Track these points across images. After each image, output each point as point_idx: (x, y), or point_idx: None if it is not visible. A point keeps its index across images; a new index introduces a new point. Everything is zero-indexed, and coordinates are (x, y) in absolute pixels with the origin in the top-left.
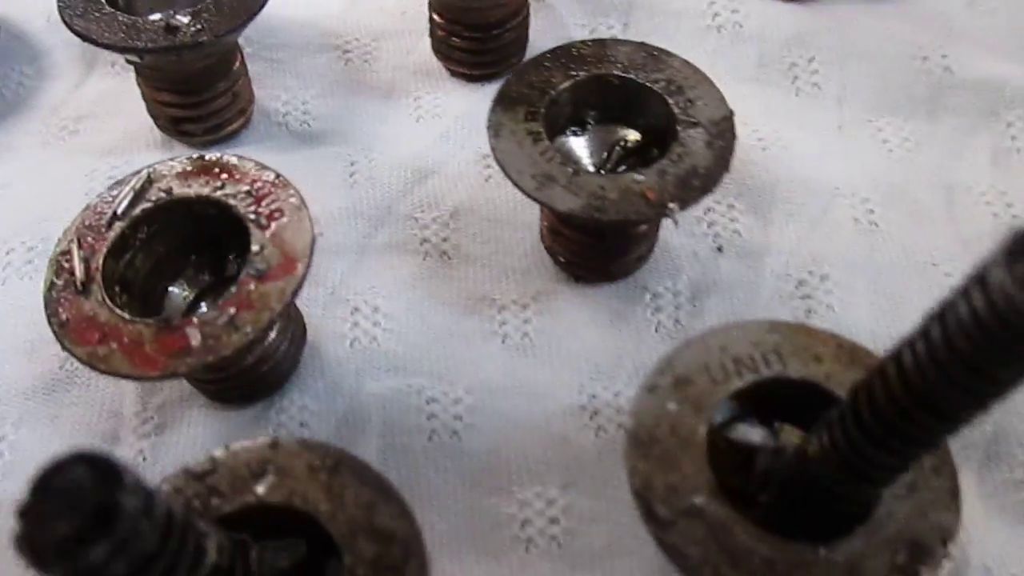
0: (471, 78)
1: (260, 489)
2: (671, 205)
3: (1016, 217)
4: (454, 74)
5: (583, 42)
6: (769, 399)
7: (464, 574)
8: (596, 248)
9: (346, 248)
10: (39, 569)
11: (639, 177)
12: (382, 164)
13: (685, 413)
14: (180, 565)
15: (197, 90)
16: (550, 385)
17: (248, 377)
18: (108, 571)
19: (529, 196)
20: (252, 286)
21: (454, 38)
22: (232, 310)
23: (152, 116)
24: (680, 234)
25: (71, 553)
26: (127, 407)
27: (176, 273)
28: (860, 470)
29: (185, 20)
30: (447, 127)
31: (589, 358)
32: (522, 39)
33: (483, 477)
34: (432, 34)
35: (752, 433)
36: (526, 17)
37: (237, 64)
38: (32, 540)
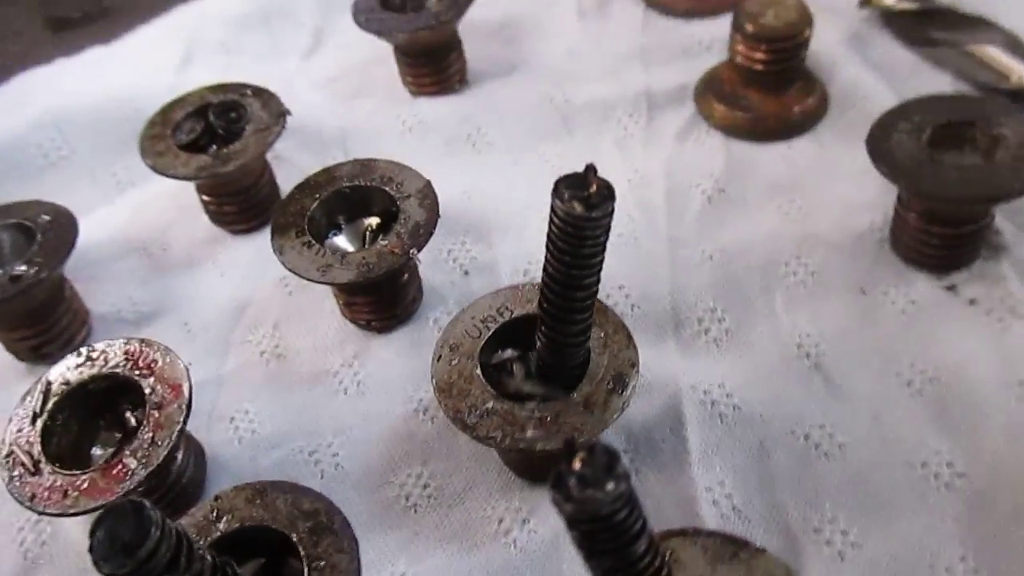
0: (247, 230)
1: (221, 526)
2: (411, 251)
3: (631, 181)
4: (234, 232)
5: (315, 173)
6: (512, 334)
7: (376, 539)
8: (380, 302)
9: (208, 381)
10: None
11: (384, 242)
12: (209, 313)
13: (463, 363)
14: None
15: (44, 318)
16: (388, 405)
17: (173, 493)
18: None
19: (319, 282)
20: (156, 414)
21: (224, 207)
22: (149, 434)
23: (12, 352)
24: (436, 273)
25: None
26: None
27: (92, 439)
28: (561, 342)
29: (23, 268)
30: (245, 270)
31: (407, 378)
32: (274, 192)
33: (368, 481)
34: (206, 210)
35: (506, 354)
36: (271, 174)
37: (67, 289)
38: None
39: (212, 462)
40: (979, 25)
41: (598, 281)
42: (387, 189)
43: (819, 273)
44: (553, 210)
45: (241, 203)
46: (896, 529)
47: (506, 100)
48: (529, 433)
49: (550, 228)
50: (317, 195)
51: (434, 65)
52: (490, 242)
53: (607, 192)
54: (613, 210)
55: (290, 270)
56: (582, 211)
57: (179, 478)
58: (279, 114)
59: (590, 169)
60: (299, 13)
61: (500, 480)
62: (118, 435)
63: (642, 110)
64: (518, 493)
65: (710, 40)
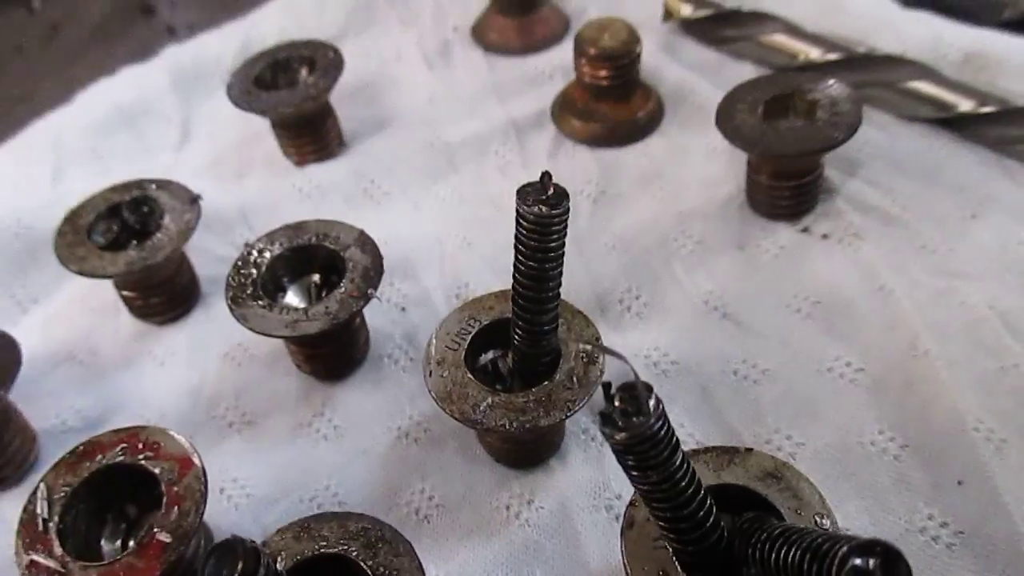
0: (173, 319)
1: (279, 567)
2: (370, 291)
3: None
4: (161, 323)
5: (252, 242)
6: (486, 339)
7: None
8: (339, 350)
9: None
10: None
11: (341, 289)
12: (163, 403)
13: (453, 372)
14: None
15: None
16: (371, 439)
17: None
18: None
19: (287, 338)
20: (175, 488)
21: (151, 299)
22: (175, 508)
23: None
24: (375, 316)
25: None
26: None
27: (99, 535)
28: (534, 335)
29: None
30: (185, 355)
31: (381, 411)
32: (193, 279)
33: (376, 508)
34: (130, 307)
35: (488, 356)
36: (188, 262)
37: (12, 410)
38: None
39: (217, 532)
40: (763, 19)
41: (562, 272)
42: (327, 245)
43: (702, 240)
44: (520, 215)
45: (167, 293)
46: (825, 424)
47: (388, 152)
48: (530, 414)
49: (518, 231)
50: (258, 263)
51: (314, 133)
52: (417, 278)
53: (563, 192)
54: (569, 208)
55: (255, 331)
56: (547, 211)
57: (196, 552)
58: (191, 200)
59: (545, 175)
60: (162, 110)
61: (495, 475)
62: (123, 526)
63: (512, 138)
64: (515, 481)
65: (551, 69)
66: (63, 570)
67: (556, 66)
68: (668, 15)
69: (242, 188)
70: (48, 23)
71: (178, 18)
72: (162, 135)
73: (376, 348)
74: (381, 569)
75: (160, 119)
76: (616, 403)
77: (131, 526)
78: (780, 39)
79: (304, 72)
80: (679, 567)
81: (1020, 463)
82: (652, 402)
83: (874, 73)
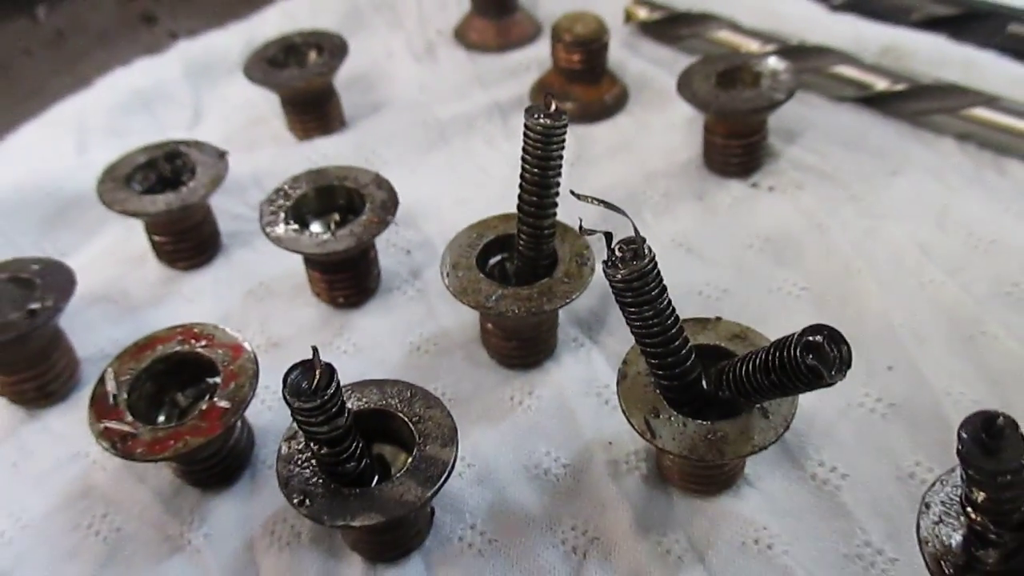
0: (197, 265)
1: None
2: (388, 218)
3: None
4: (185, 268)
5: (281, 184)
6: (492, 249)
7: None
8: (356, 277)
9: None
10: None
11: (364, 216)
12: None
13: (467, 273)
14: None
15: (47, 358)
16: (386, 354)
17: (232, 452)
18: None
19: (319, 256)
20: (230, 367)
21: (180, 244)
22: (232, 383)
23: (14, 397)
24: (384, 257)
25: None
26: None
27: (155, 420)
28: (539, 235)
29: (37, 305)
30: (211, 292)
31: (395, 331)
32: (215, 231)
33: None
34: (159, 252)
35: (495, 260)
36: (212, 215)
37: (61, 333)
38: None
39: (257, 430)
40: (709, 19)
41: (560, 183)
42: (347, 184)
43: (667, 194)
44: (528, 127)
45: (195, 239)
46: (776, 329)
47: (386, 129)
48: (535, 302)
49: (525, 145)
50: (288, 196)
51: (319, 111)
52: (418, 227)
53: (562, 110)
54: (567, 122)
55: (294, 251)
56: (551, 123)
57: (240, 438)
58: (219, 154)
59: (548, 95)
60: (176, 95)
61: (499, 375)
62: (176, 412)
63: (496, 116)
64: (517, 379)
65: (528, 62)
66: (135, 431)
67: (532, 59)
68: (628, 18)
69: (253, 158)
70: (53, 30)
71: (179, 26)
72: (176, 117)
73: (386, 283)
74: (416, 418)
75: (173, 103)
76: (617, 252)
77: (183, 414)
78: (725, 35)
79: (313, 54)
80: (666, 404)
81: (938, 351)
82: (647, 248)
83: (805, 61)
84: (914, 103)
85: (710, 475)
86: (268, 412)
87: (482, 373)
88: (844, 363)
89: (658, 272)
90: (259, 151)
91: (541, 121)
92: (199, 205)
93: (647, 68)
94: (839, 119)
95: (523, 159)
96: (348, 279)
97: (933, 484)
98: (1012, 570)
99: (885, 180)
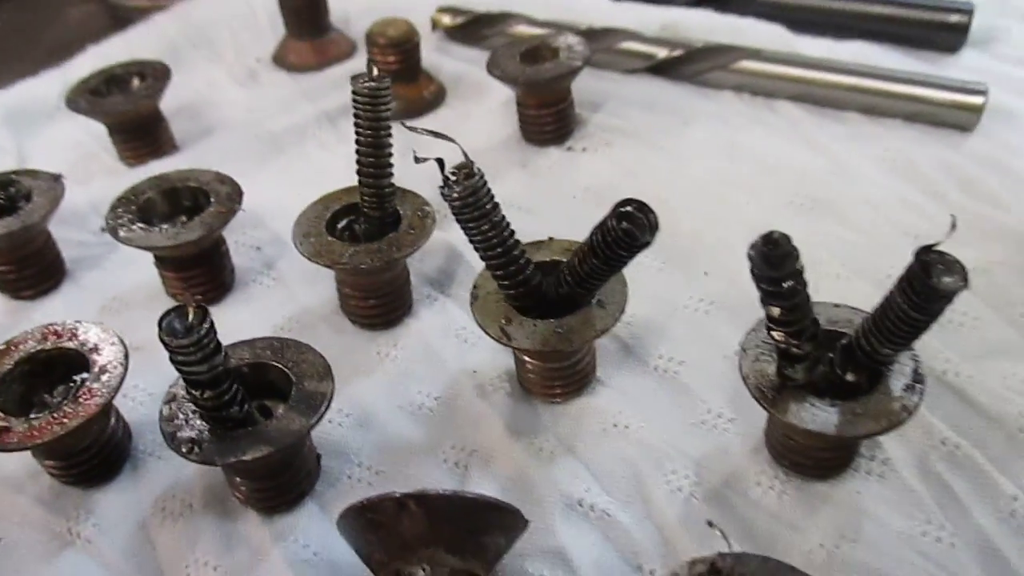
0: (33, 296)
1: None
2: (235, 207)
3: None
4: (22, 298)
5: (127, 190)
6: (338, 217)
7: None
8: (210, 272)
9: None
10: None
11: (211, 208)
12: None
13: (319, 239)
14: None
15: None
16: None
17: (110, 443)
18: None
19: (167, 258)
20: (95, 353)
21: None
22: (101, 366)
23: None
24: (239, 256)
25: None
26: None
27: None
28: (379, 199)
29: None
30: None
31: (257, 319)
32: (57, 259)
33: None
34: (2, 285)
35: (343, 223)
36: (55, 247)
37: None
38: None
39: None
40: (507, 18)
41: (392, 144)
42: (190, 184)
43: (493, 166)
44: (355, 92)
45: (37, 263)
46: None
47: (220, 146)
48: (385, 253)
49: (355, 110)
50: (134, 202)
51: (149, 136)
52: (265, 225)
53: (385, 75)
54: (390, 85)
55: (144, 247)
56: (375, 84)
57: (111, 436)
58: (54, 178)
59: (371, 62)
60: None
61: (362, 338)
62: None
63: (326, 123)
64: (380, 337)
65: (348, 74)
66: (7, 424)
67: (352, 72)
68: (435, 25)
69: (89, 189)
70: None
71: None
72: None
73: (241, 278)
74: (290, 363)
75: None
76: (451, 175)
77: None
78: (523, 29)
79: (136, 81)
80: (516, 312)
81: (743, 254)
82: (476, 168)
83: (597, 42)
84: (693, 65)
85: (566, 376)
86: (141, 408)
87: (347, 338)
88: (653, 227)
89: (489, 189)
90: (94, 182)
91: (368, 84)
92: (40, 227)
93: (459, 66)
94: (633, 87)
95: (356, 125)
96: (203, 274)
97: (748, 332)
98: (816, 380)
99: (679, 130)
